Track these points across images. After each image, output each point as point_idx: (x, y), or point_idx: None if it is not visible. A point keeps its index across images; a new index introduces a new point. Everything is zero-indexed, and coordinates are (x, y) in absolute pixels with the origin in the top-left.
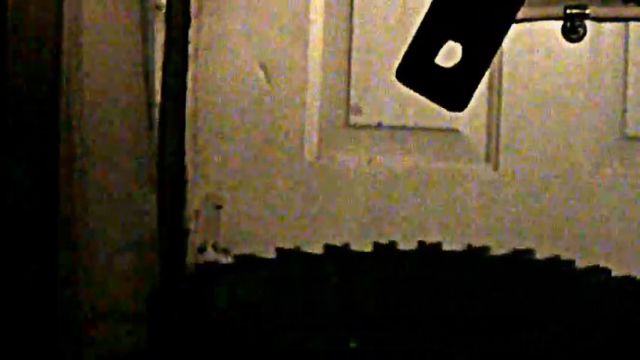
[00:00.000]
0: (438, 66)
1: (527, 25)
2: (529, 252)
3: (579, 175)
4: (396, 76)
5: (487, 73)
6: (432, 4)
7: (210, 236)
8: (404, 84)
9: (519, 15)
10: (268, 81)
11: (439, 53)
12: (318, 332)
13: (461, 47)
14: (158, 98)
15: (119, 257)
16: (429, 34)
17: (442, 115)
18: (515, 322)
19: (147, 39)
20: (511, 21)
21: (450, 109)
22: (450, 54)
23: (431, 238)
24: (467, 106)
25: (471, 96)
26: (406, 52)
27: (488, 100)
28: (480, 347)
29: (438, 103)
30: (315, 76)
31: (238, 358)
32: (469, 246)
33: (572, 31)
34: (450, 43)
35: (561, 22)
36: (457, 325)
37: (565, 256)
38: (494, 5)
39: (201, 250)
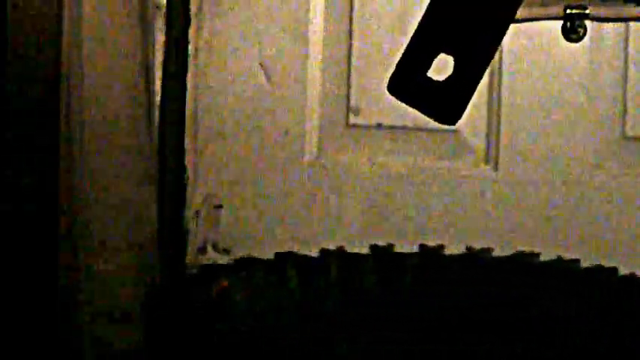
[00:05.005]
0: (429, 79)
1: (527, 25)
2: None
3: (579, 176)
4: (387, 89)
5: (487, 73)
6: (423, 16)
7: (210, 236)
8: (396, 97)
9: (519, 15)
10: (268, 81)
11: (431, 66)
12: (319, 338)
13: (453, 60)
14: (158, 98)
15: (119, 257)
16: (421, 47)
17: None
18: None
19: (147, 39)
20: (502, 34)
21: (442, 122)
22: (441, 67)
23: (430, 239)
24: (459, 120)
25: (464, 109)
26: (398, 65)
27: (488, 100)
28: (486, 350)
29: (429, 116)
30: (315, 76)
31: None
32: (507, 252)
33: (572, 31)
34: (442, 56)
35: (561, 22)
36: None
37: (565, 256)
38: (486, 18)
39: (201, 250)
